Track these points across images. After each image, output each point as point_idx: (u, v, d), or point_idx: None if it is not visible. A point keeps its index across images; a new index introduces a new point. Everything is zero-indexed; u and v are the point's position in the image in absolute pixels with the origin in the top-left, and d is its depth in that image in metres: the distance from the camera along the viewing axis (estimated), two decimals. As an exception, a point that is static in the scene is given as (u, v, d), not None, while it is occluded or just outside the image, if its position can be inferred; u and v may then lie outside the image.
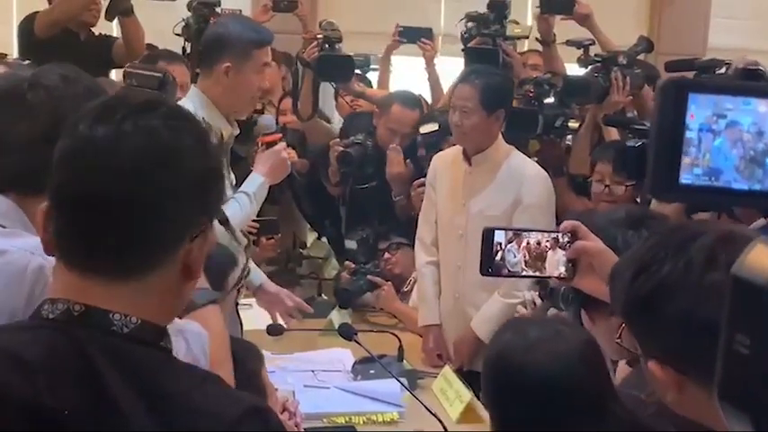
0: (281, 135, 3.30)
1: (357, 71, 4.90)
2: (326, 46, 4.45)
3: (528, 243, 1.80)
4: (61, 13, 4.67)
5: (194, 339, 1.61)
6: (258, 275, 3.22)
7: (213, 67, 3.13)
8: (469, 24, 4.40)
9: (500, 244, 1.79)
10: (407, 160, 4.38)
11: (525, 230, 1.83)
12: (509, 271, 1.81)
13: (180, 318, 1.63)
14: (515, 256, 1.80)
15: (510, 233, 1.81)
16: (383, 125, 4.49)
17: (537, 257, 1.81)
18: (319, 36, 4.49)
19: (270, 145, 3.17)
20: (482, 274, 1.82)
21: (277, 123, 4.43)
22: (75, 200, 1.17)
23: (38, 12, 4.74)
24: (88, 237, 1.17)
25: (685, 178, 0.83)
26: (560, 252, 1.80)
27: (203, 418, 1.12)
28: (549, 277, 1.84)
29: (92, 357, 1.12)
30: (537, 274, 1.83)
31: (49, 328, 1.16)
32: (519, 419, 1.81)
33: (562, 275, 1.81)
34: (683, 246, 1.09)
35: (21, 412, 1.10)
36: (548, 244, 1.80)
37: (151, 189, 1.14)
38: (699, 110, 0.83)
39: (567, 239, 1.80)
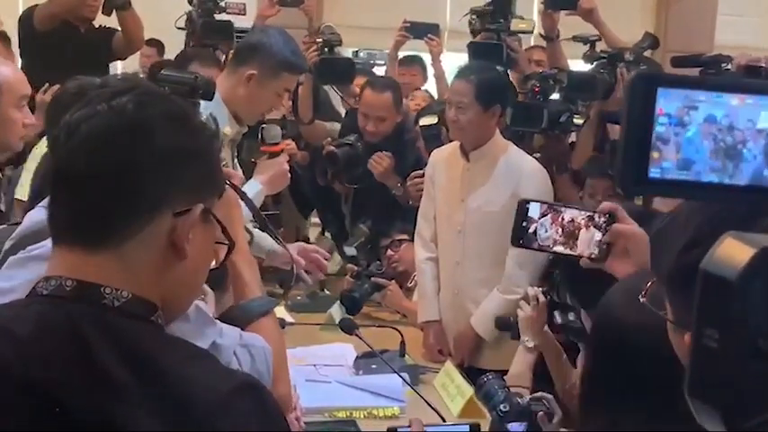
0: (283, 146, 3.29)
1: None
2: (326, 50, 4.45)
3: (562, 219, 1.76)
4: (59, 6, 4.68)
5: (259, 355, 1.66)
6: (266, 241, 3.18)
7: (238, 69, 3.13)
8: (473, 18, 4.40)
9: (534, 217, 1.76)
10: (383, 152, 4.37)
11: (561, 206, 1.80)
12: (539, 245, 1.77)
13: (242, 329, 1.71)
14: (547, 231, 1.77)
15: (545, 206, 1.78)
16: (360, 111, 4.48)
17: (569, 235, 1.77)
18: (319, 40, 4.49)
19: (272, 155, 3.15)
20: (513, 245, 1.80)
21: (283, 117, 4.45)
22: (55, 179, 1.24)
23: (37, 5, 4.75)
24: (67, 210, 1.22)
25: (654, 172, 0.83)
26: (594, 231, 1.76)
27: (196, 391, 1.13)
28: (580, 256, 1.79)
29: (83, 331, 1.14)
30: (567, 251, 1.79)
31: (41, 304, 1.19)
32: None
33: (593, 256, 1.76)
34: (745, 224, 1.02)
35: (12, 386, 1.11)
36: (582, 222, 1.76)
37: (113, 161, 1.19)
38: (668, 104, 0.83)
39: (603, 220, 1.76)
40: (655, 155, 0.83)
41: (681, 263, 1.12)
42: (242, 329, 1.73)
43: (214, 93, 2.43)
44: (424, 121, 4.34)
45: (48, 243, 1.60)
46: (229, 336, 1.65)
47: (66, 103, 1.84)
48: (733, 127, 0.83)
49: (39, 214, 1.79)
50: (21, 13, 5.03)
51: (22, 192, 3.45)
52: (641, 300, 1.32)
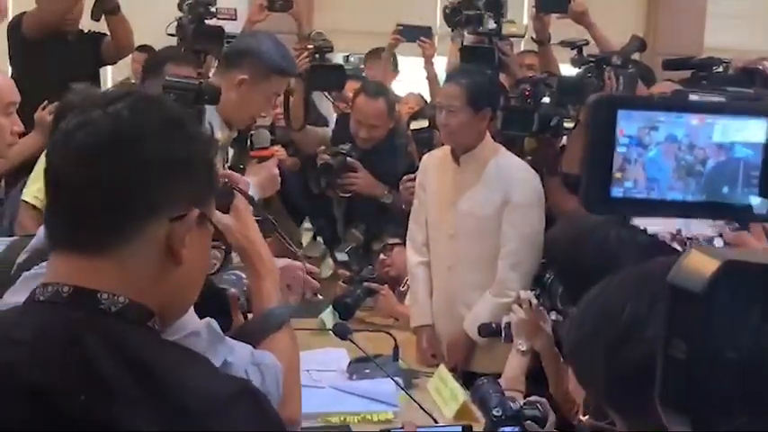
0: (273, 151, 3.28)
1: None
2: (317, 56, 4.45)
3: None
4: (48, 14, 4.66)
5: (269, 374, 1.66)
6: None
7: (229, 73, 3.12)
8: (447, 8, 4.41)
9: None
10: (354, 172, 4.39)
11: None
12: None
13: (255, 345, 1.71)
14: None
15: None
16: (352, 118, 4.48)
17: None
18: (310, 47, 4.50)
19: (262, 160, 3.16)
20: None
21: (272, 124, 4.44)
22: (50, 184, 1.25)
23: (25, 12, 4.74)
24: (63, 217, 1.23)
25: (616, 192, 0.85)
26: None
27: (194, 396, 1.13)
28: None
29: (80, 336, 1.14)
30: None
31: (38, 310, 1.20)
32: None
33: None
34: (656, 295, 0.93)
35: (10, 391, 1.11)
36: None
37: (108, 168, 1.20)
38: (629, 125, 0.85)
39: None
40: (617, 175, 0.85)
41: (612, 371, 1.00)
42: (258, 343, 1.73)
43: (219, 97, 2.43)
44: (415, 124, 4.35)
45: None
46: (240, 354, 1.64)
47: None
48: (693, 145, 0.85)
49: None
50: (9, 20, 5.02)
51: (29, 193, 3.46)
52: (582, 419, 1.18)
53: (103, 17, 4.86)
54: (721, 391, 0.70)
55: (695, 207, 0.84)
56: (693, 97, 1.52)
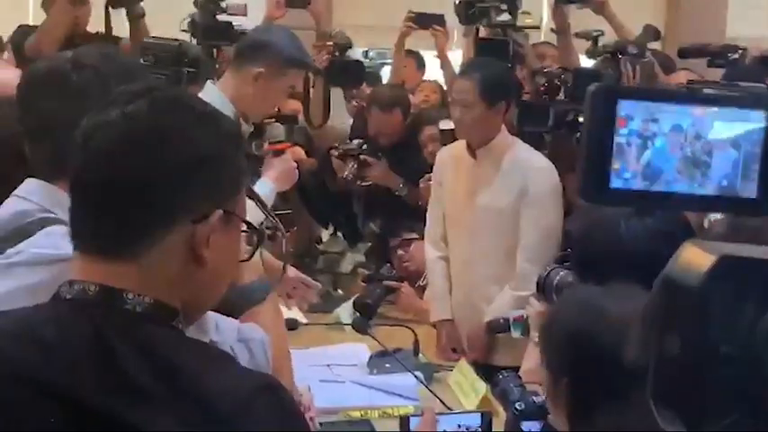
0: (289, 144, 3.30)
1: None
2: (336, 54, 4.48)
3: None
4: (45, 45, 4.59)
5: (258, 348, 1.62)
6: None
7: (244, 68, 3.11)
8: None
9: None
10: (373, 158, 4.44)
11: None
12: None
13: (236, 317, 1.66)
14: None
15: None
16: (370, 125, 4.56)
17: None
18: (329, 43, 4.52)
19: (278, 153, 3.16)
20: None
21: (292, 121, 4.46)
22: (73, 185, 1.24)
23: (28, 35, 4.68)
24: (85, 218, 1.23)
25: (615, 182, 0.84)
26: None
27: (217, 394, 1.14)
28: None
29: (106, 335, 1.15)
30: None
31: (65, 308, 1.20)
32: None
33: None
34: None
35: (35, 388, 1.13)
36: None
37: (127, 171, 1.19)
38: (631, 115, 0.84)
39: None
40: (615, 165, 0.84)
41: None
42: (240, 314, 1.68)
43: (200, 63, 2.37)
44: (443, 124, 4.33)
45: (27, 247, 1.55)
46: (225, 331, 1.60)
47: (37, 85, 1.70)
48: (700, 136, 0.84)
49: (15, 206, 1.67)
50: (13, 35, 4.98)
51: None
52: None
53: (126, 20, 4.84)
54: (715, 388, 0.70)
55: (698, 200, 0.83)
56: (706, 92, 1.50)
